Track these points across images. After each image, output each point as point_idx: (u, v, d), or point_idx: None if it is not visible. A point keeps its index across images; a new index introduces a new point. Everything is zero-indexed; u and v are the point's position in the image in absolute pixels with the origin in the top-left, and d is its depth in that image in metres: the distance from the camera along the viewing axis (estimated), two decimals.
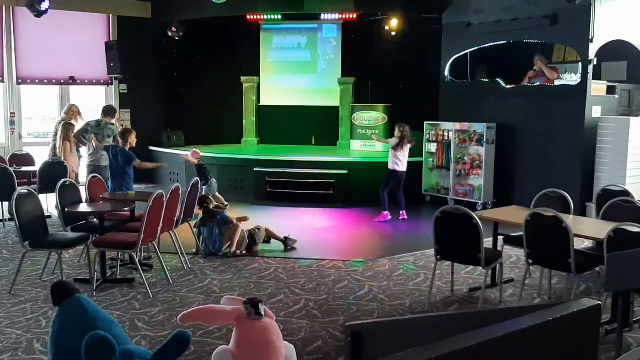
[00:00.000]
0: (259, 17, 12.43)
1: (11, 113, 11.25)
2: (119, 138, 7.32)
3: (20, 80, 11.34)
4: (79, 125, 9.07)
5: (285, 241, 7.26)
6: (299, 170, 10.34)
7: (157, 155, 12.31)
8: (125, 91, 12.40)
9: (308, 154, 11.10)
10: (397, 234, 8.36)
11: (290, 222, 8.64)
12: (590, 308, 1.65)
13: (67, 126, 9.06)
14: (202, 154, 9.79)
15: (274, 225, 7.64)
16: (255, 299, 3.21)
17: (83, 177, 8.96)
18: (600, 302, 1.71)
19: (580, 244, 5.65)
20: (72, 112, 9.24)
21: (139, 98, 12.43)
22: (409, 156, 9.03)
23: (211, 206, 7.10)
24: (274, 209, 9.18)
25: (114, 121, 8.51)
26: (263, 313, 3.17)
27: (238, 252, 6.93)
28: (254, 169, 10.51)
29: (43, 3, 8.95)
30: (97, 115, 8.75)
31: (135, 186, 11.15)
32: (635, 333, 4.74)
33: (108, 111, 8.54)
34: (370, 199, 9.66)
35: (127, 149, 7.05)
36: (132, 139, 7.12)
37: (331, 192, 10.17)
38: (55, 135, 9.26)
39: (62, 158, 8.99)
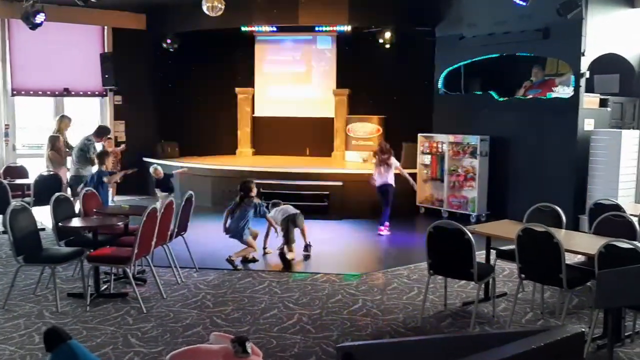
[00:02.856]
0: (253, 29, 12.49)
1: (5, 125, 11.25)
2: (95, 160, 7.48)
3: (14, 92, 11.36)
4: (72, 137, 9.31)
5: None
6: (293, 181, 10.36)
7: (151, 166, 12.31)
8: (120, 102, 12.42)
9: (302, 166, 11.13)
10: (391, 246, 8.39)
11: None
12: (574, 335, 1.68)
13: (52, 139, 9.21)
14: (196, 165, 9.76)
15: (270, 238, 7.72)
16: (242, 337, 3.26)
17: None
18: (583, 329, 1.74)
19: (572, 258, 5.69)
20: (65, 124, 9.36)
21: (133, 109, 12.45)
22: (404, 167, 9.28)
23: (253, 193, 7.17)
24: None
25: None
26: (250, 351, 3.20)
27: (234, 258, 6.96)
28: None
29: (38, 16, 8.95)
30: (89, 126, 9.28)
31: (128, 198, 11.24)
32: (626, 348, 4.76)
33: (96, 132, 9.14)
34: (365, 211, 9.69)
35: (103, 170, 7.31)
36: (108, 162, 7.39)
37: (325, 203, 10.19)
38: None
39: (51, 169, 9.09)
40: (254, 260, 7.22)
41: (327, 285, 6.36)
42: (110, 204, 7.37)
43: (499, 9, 9.56)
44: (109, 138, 11.02)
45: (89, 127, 9.26)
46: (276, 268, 7.10)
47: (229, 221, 7.20)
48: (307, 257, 7.48)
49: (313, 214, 9.95)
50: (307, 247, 7.60)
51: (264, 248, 7.58)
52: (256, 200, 7.26)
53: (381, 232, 8.84)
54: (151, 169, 9.25)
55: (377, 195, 9.04)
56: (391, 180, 8.89)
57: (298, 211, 7.60)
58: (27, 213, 5.75)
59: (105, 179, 7.20)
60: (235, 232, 7.15)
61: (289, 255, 7.34)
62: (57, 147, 9.18)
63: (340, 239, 8.76)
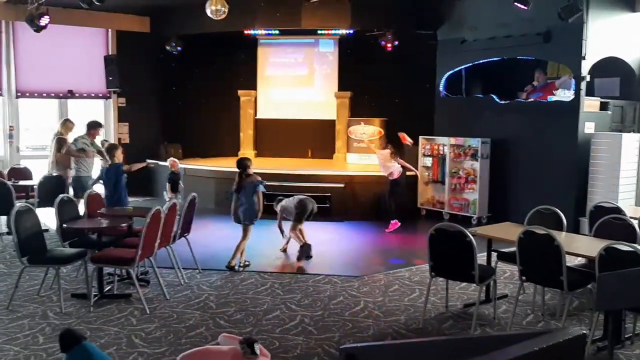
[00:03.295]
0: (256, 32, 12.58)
1: (10, 126, 11.31)
2: (105, 155, 7.33)
3: (19, 94, 11.42)
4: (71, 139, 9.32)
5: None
6: (295, 183, 10.40)
7: (155, 168, 12.35)
8: (124, 104, 12.48)
9: (304, 167, 11.17)
10: (393, 248, 8.42)
11: None
12: (575, 337, 1.72)
13: (60, 140, 9.22)
14: (199, 167, 9.82)
15: (268, 240, 7.75)
16: (251, 338, 3.31)
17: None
18: (585, 332, 1.77)
19: (573, 260, 5.72)
20: (67, 127, 9.39)
21: (137, 111, 12.52)
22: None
23: (250, 171, 7.10)
24: (270, 223, 9.21)
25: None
26: (258, 352, 3.25)
27: (233, 263, 6.97)
28: None
29: (42, 18, 9.02)
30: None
31: (132, 199, 11.26)
32: (627, 350, 4.79)
33: (88, 126, 8.93)
34: (366, 213, 9.73)
35: None
36: (119, 155, 7.16)
37: (327, 205, 10.22)
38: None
39: (56, 171, 9.11)
40: (247, 264, 7.14)
41: (329, 286, 6.40)
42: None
43: (501, 12, 9.60)
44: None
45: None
46: (278, 269, 7.14)
47: (239, 208, 7.05)
48: (308, 258, 7.46)
49: (315, 215, 9.99)
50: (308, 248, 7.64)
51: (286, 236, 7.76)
52: (255, 178, 7.10)
53: (389, 230, 9.04)
54: (168, 161, 9.34)
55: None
56: (394, 173, 9.06)
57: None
58: (32, 214, 5.79)
59: (124, 168, 7.06)
60: (244, 217, 7.01)
61: (292, 234, 7.38)
62: (65, 149, 9.18)
63: (342, 241, 8.79)
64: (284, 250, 7.76)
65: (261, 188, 7.07)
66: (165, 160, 12.11)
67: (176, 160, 9.37)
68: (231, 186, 7.27)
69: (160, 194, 11.99)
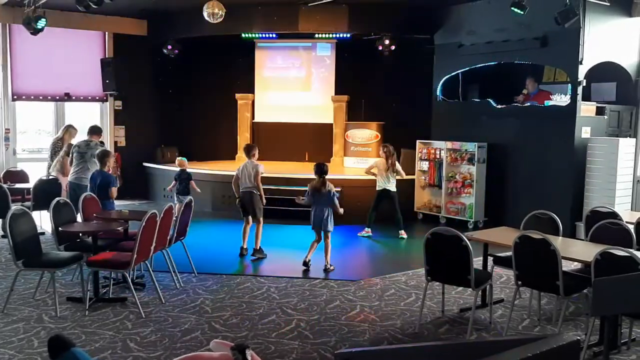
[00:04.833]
0: (254, 35, 12.58)
1: (6, 129, 11.28)
2: (97, 161, 7.26)
3: (15, 97, 11.39)
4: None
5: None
6: (292, 187, 10.39)
7: (151, 171, 12.35)
8: (120, 108, 12.46)
9: (302, 171, 11.16)
10: (389, 252, 8.42)
11: (284, 239, 8.70)
12: (570, 343, 1.71)
13: (69, 146, 9.19)
14: (195, 170, 9.79)
15: (268, 243, 7.75)
16: (243, 344, 3.28)
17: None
18: (579, 337, 1.77)
19: (569, 265, 5.73)
20: (70, 133, 9.36)
21: (134, 115, 12.50)
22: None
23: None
24: (267, 226, 9.22)
25: (101, 140, 8.75)
26: (250, 359, 3.23)
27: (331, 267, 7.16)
28: None
29: (39, 21, 9.00)
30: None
31: (128, 202, 11.25)
32: (623, 355, 4.79)
33: (95, 130, 8.65)
34: (363, 217, 9.70)
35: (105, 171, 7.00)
36: (111, 162, 7.11)
37: None
38: (54, 154, 9.35)
39: (61, 174, 9.06)
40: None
41: (325, 291, 6.39)
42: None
43: (498, 17, 9.62)
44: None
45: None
46: (274, 273, 7.12)
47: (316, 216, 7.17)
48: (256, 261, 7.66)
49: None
50: (255, 252, 7.76)
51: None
52: (330, 187, 7.26)
53: (404, 235, 8.98)
54: (177, 160, 9.41)
55: (378, 202, 9.06)
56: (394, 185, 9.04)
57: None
58: (27, 218, 5.77)
59: (113, 189, 6.96)
60: (322, 221, 7.17)
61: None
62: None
63: (338, 245, 8.77)
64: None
65: (335, 200, 7.29)
66: (162, 163, 12.13)
67: (184, 159, 9.43)
68: (228, 190, 7.30)
69: (156, 198, 11.98)
